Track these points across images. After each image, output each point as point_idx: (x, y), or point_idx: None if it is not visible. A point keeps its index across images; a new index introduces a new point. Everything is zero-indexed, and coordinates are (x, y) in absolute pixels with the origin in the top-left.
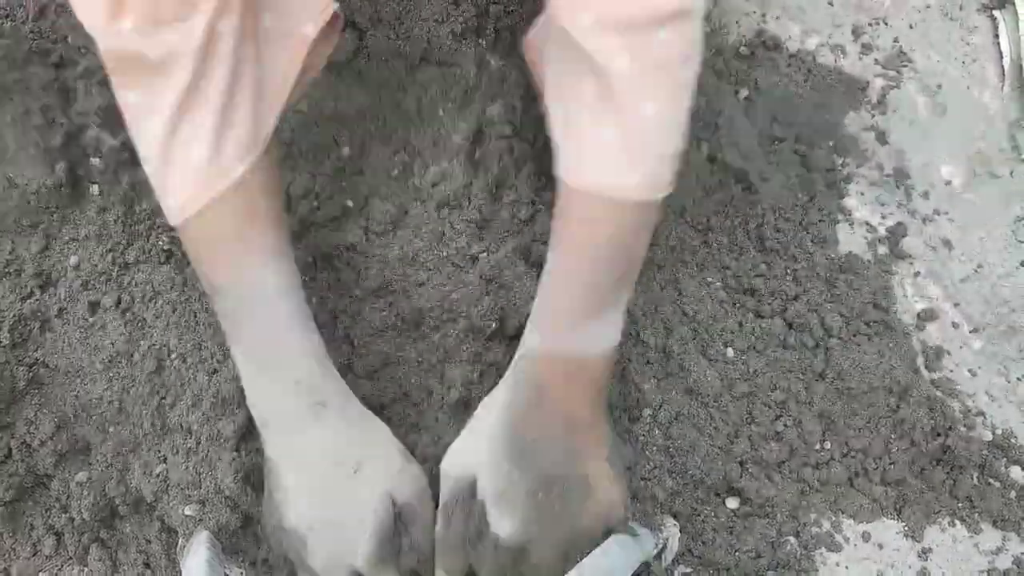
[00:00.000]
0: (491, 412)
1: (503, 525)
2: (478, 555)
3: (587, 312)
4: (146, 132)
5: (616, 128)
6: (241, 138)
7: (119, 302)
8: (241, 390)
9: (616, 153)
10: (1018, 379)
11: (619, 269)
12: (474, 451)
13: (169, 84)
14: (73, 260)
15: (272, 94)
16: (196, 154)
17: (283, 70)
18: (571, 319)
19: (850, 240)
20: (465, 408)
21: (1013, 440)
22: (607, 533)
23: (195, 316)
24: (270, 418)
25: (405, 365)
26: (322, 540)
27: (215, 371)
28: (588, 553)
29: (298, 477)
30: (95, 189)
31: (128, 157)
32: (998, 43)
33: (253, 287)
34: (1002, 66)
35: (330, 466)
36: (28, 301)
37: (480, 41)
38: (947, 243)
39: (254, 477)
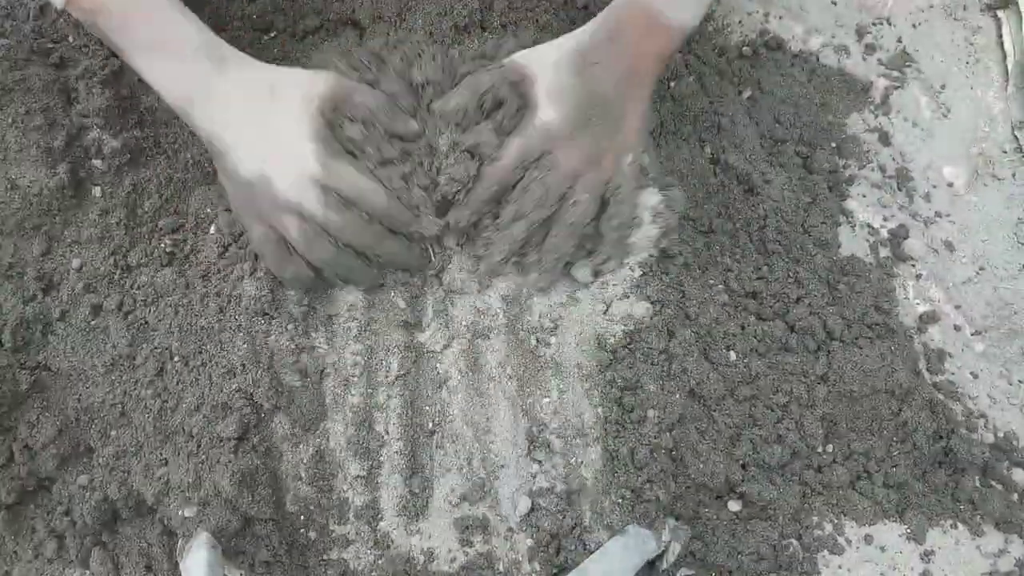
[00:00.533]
0: (570, 38)
1: (549, 112)
2: (519, 132)
3: None
4: None
5: None
6: None
7: (121, 305)
8: (241, 392)
9: None
10: (1020, 381)
11: None
12: (541, 53)
13: None
14: (75, 263)
15: None
16: None
17: None
18: None
19: (852, 242)
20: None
21: (1015, 442)
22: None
23: (197, 319)
24: (190, 92)
25: None
26: (280, 166)
27: (216, 374)
28: (597, 180)
29: (234, 129)
30: (97, 191)
31: (130, 158)
32: (1002, 43)
33: None
34: (1006, 66)
35: (252, 102)
36: (30, 304)
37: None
38: (949, 245)
39: (253, 479)
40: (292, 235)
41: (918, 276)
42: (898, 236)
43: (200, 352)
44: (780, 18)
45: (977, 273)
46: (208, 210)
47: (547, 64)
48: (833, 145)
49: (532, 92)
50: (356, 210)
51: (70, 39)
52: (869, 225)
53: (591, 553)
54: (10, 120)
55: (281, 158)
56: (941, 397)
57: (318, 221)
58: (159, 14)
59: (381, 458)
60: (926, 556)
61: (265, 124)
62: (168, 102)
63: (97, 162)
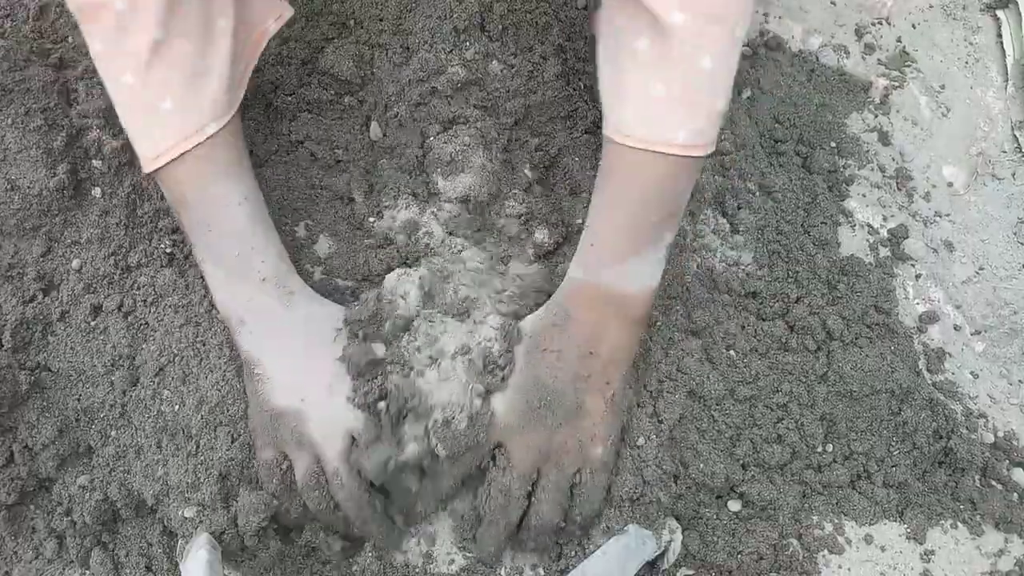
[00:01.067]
0: (526, 322)
1: (496, 401)
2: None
3: (627, 248)
4: (117, 80)
5: (667, 84)
6: (216, 95)
7: (121, 305)
8: (236, 389)
9: (665, 109)
10: (1020, 381)
11: (661, 212)
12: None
13: (136, 34)
14: (75, 263)
15: (247, 53)
16: (167, 106)
17: (254, 36)
18: (611, 253)
19: (851, 242)
20: None
21: (1015, 442)
22: (575, 472)
23: (197, 320)
24: (244, 315)
25: None
26: (316, 406)
27: (216, 375)
28: (559, 480)
29: (280, 360)
30: (97, 192)
31: (130, 159)
32: (1001, 43)
33: (217, 198)
34: (1005, 66)
35: (308, 340)
36: (30, 304)
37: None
38: (949, 245)
39: (252, 480)
40: (299, 473)
41: (918, 276)
42: (898, 236)
43: (200, 352)
44: (780, 18)
45: (977, 273)
46: None
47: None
48: (833, 145)
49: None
50: (363, 483)
51: (70, 39)
52: (869, 225)
53: (591, 554)
54: (10, 120)
55: (323, 402)
56: (941, 397)
57: (327, 471)
58: (239, 235)
59: None
60: (926, 556)
61: (319, 360)
62: (219, 312)
63: (97, 162)
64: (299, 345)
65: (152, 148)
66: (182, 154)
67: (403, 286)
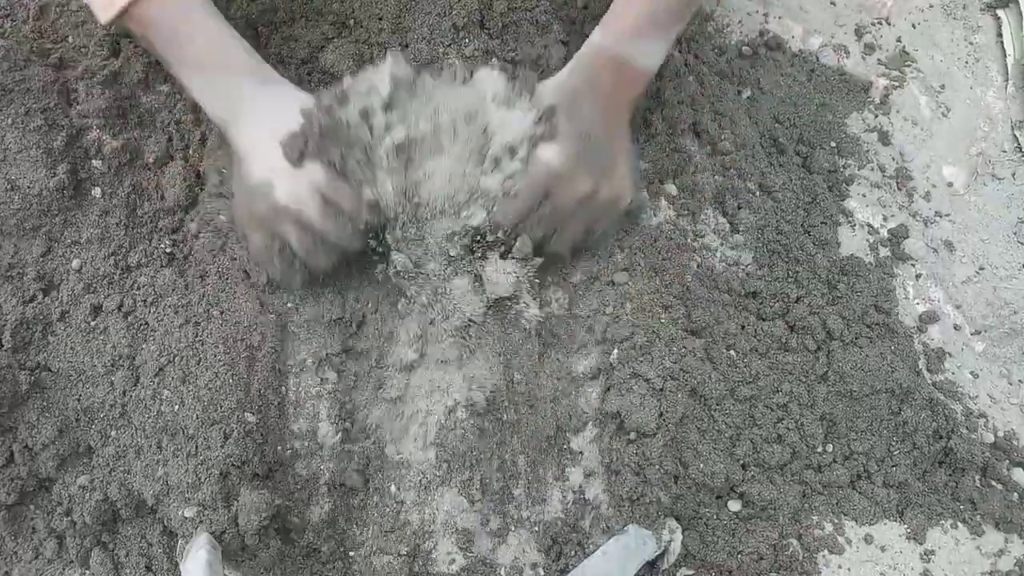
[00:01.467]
0: (549, 82)
1: (547, 151)
2: (527, 176)
3: (647, 28)
4: None
5: None
6: None
7: (121, 305)
8: (229, 384)
9: None
10: (1020, 381)
11: (683, 5)
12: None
13: None
14: (75, 263)
15: None
16: None
17: None
18: (633, 28)
19: (851, 242)
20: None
21: (1015, 442)
22: (613, 214)
23: (197, 320)
24: (234, 112)
25: None
26: (283, 173)
27: (217, 374)
28: (594, 219)
29: (259, 141)
30: (97, 192)
31: (130, 159)
32: (1001, 42)
33: (183, 12)
34: (1005, 66)
35: (284, 118)
36: (30, 304)
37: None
38: (949, 245)
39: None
40: (293, 243)
41: (918, 276)
42: (898, 236)
43: (200, 352)
44: (780, 18)
45: (977, 273)
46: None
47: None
48: (833, 145)
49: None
50: (350, 219)
51: (70, 40)
52: (869, 225)
53: (591, 554)
54: (10, 120)
55: (287, 169)
56: (941, 397)
57: (316, 230)
58: (210, 35)
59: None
60: (926, 556)
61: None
62: (209, 114)
63: (97, 162)
64: (276, 125)
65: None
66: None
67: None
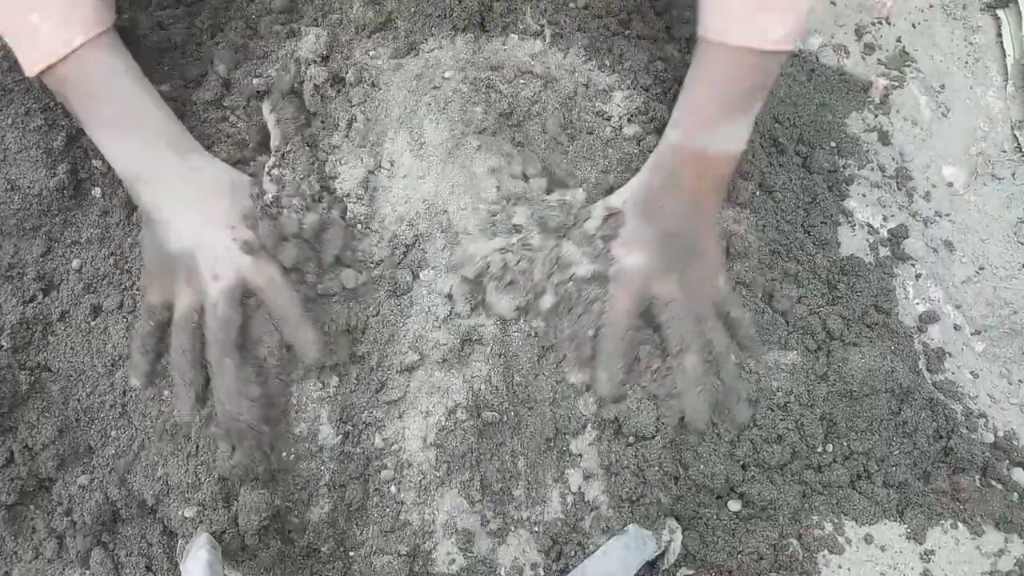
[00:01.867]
0: (622, 193)
1: (633, 257)
2: (617, 282)
3: (722, 115)
4: None
5: None
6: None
7: (121, 305)
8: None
9: (755, 9)
10: (1020, 381)
11: (752, 82)
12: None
13: None
14: (75, 263)
15: None
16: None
17: None
18: (708, 119)
19: (851, 242)
20: None
21: (1015, 442)
22: (710, 304)
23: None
24: (141, 170)
25: None
26: (208, 247)
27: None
28: (704, 304)
29: (178, 206)
30: (97, 191)
31: None
32: (1001, 43)
33: (102, 73)
34: (1005, 66)
35: (204, 188)
36: (30, 304)
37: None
38: (949, 245)
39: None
40: (178, 310)
41: (918, 276)
42: (898, 236)
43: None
44: None
45: (977, 272)
46: None
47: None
48: (833, 144)
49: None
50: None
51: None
52: (869, 225)
53: (591, 554)
54: (10, 120)
55: (217, 242)
56: (941, 397)
57: (207, 303)
58: (130, 98)
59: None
60: (926, 556)
61: (210, 212)
62: (120, 174)
63: (97, 163)
64: (197, 192)
65: (28, 56)
66: (62, 59)
67: None
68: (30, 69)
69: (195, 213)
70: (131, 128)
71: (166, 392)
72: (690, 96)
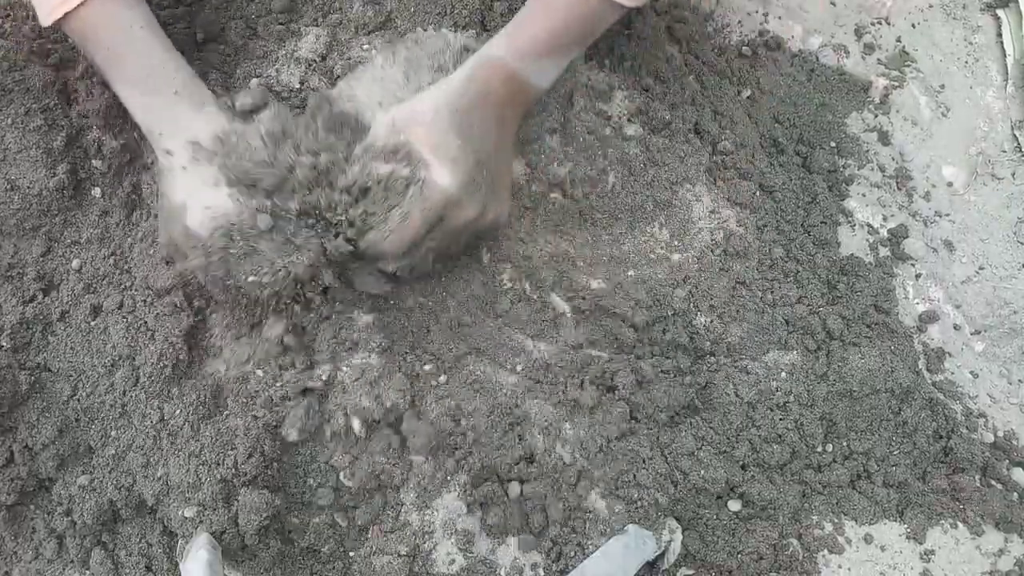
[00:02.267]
0: (435, 95)
1: (442, 173)
2: (421, 200)
3: (549, 49)
4: None
5: None
6: None
7: (121, 305)
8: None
9: None
10: (1020, 381)
11: (582, 31)
12: (416, 110)
13: None
14: (75, 263)
15: None
16: None
17: None
18: (535, 48)
19: (851, 242)
20: None
21: (1015, 442)
22: (491, 235)
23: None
24: (161, 126)
25: None
26: (198, 200)
27: (216, 374)
28: (472, 239)
29: (183, 160)
30: (97, 191)
31: (130, 159)
32: (1001, 42)
33: (122, 27)
34: (1005, 65)
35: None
36: (30, 304)
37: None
38: (948, 245)
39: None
40: (198, 271)
41: (918, 275)
42: (898, 235)
43: (199, 353)
44: (779, 18)
45: (977, 272)
46: None
47: (427, 121)
48: (832, 144)
49: (416, 151)
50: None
51: (70, 39)
52: (869, 224)
53: (591, 554)
54: (10, 121)
55: (206, 197)
56: (941, 396)
57: (215, 262)
58: (146, 51)
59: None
60: (926, 555)
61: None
62: (139, 125)
63: (97, 162)
64: (198, 144)
65: (44, 6)
66: (74, 9)
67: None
68: (45, 19)
69: (194, 167)
70: (150, 84)
71: (164, 392)
72: (527, 20)
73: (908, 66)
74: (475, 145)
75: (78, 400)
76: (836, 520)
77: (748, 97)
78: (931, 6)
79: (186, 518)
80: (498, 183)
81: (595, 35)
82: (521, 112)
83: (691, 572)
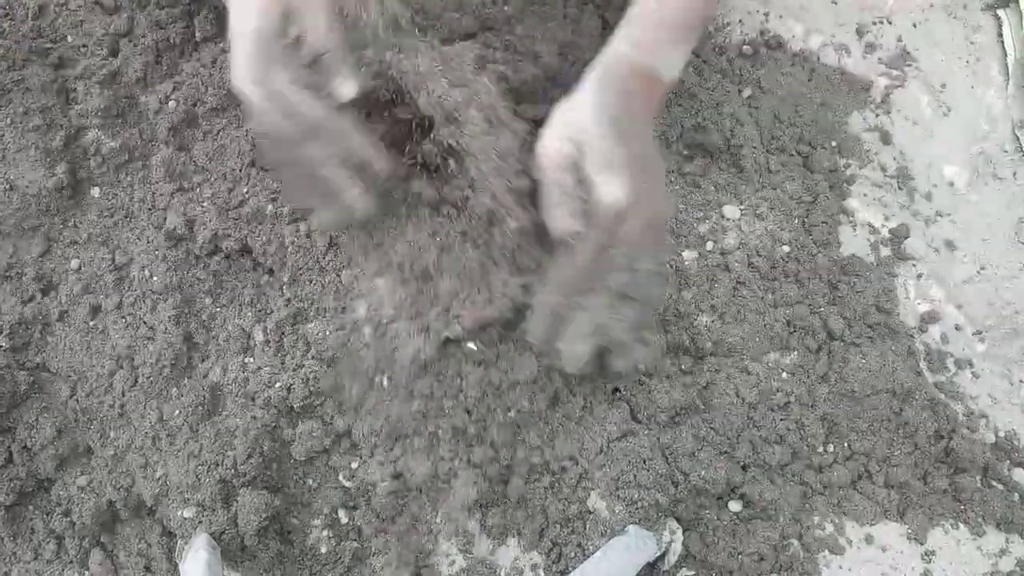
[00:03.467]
0: (581, 104)
1: (611, 190)
2: (586, 216)
3: (670, 40)
4: None
5: None
6: None
7: (120, 305)
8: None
9: None
10: (1021, 381)
11: (706, 13)
12: (571, 121)
13: None
14: (74, 263)
15: None
16: None
17: None
18: (660, 41)
19: (852, 242)
20: None
21: (1016, 442)
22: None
23: (197, 320)
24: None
25: None
26: (237, 56)
27: (215, 374)
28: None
29: (232, 42)
30: (96, 192)
31: (129, 159)
32: (1002, 42)
33: None
34: (1006, 65)
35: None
36: (29, 304)
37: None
38: (950, 245)
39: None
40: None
41: (919, 275)
42: (899, 235)
43: (199, 353)
44: (780, 17)
45: (978, 272)
46: None
47: (588, 132)
48: (834, 144)
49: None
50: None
51: (69, 39)
52: (870, 224)
53: (591, 554)
54: (9, 120)
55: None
56: (942, 397)
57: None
58: None
59: None
60: (927, 556)
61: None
62: None
63: (96, 162)
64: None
65: None
66: None
67: None
68: None
69: (238, 47)
70: None
71: (163, 392)
72: (644, 15)
73: (909, 65)
74: (634, 149)
75: (77, 400)
76: (837, 521)
77: (748, 96)
78: (932, 5)
79: (185, 518)
80: (660, 183)
81: (712, 16)
82: (658, 109)
83: (692, 573)
